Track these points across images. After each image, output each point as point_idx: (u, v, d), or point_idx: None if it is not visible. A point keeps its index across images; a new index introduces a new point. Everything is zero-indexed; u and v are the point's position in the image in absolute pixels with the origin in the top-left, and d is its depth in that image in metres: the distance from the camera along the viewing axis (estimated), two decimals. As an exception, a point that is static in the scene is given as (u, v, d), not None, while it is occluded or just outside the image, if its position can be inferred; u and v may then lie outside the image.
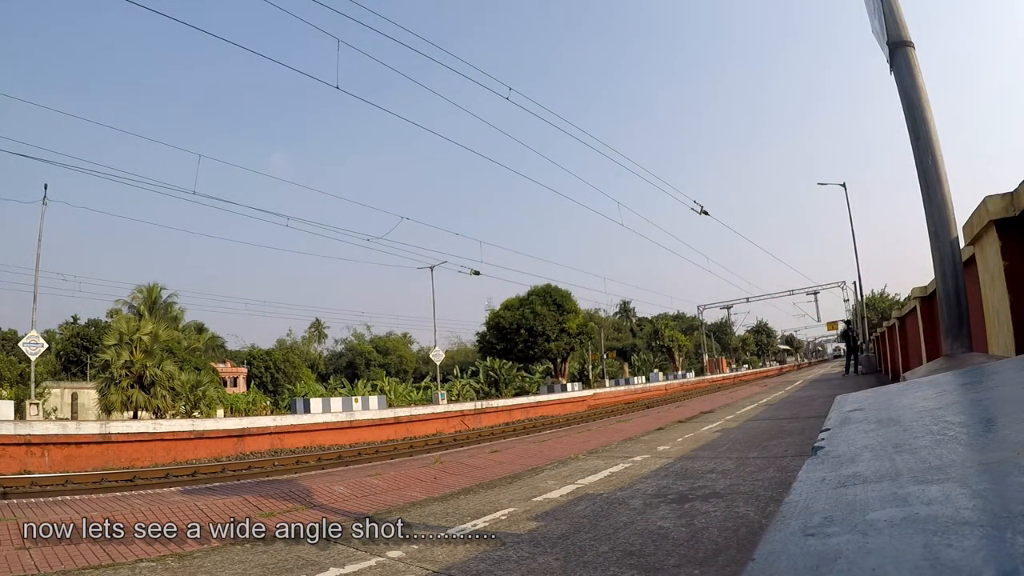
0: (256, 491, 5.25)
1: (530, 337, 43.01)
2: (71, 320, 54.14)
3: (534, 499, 4.61)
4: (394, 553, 3.40)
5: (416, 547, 3.50)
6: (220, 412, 31.35)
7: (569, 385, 42.56)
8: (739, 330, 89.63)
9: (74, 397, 39.16)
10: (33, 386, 19.97)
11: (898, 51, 3.54)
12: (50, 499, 4.92)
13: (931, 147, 3.36)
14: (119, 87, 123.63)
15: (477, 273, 30.72)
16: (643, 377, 53.81)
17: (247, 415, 32.15)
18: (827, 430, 1.68)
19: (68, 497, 5.04)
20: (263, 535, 3.89)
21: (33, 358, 18.17)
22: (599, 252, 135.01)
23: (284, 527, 4.05)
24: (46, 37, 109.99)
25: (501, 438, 16.36)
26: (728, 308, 58.71)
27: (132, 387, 23.49)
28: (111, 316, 35.08)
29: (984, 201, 3.36)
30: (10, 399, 20.98)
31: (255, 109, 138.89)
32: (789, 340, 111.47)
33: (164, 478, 13.96)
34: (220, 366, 47.25)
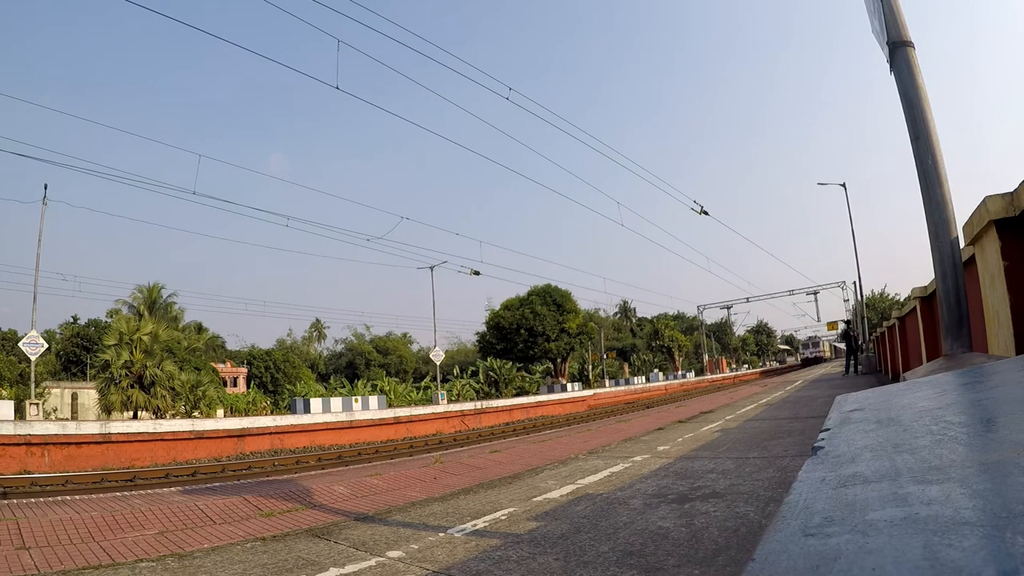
0: (256, 491, 5.25)
1: (530, 337, 43.00)
2: (71, 320, 54.22)
3: (534, 499, 4.61)
4: (394, 553, 3.40)
5: (416, 547, 3.50)
6: (220, 412, 31.36)
7: (569, 385, 42.55)
8: (739, 330, 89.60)
9: (74, 397, 39.17)
10: (33, 386, 19.97)
11: (898, 51, 3.54)
12: (50, 499, 4.92)
13: (931, 147, 3.36)
14: (119, 87, 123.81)
15: (477, 273, 30.74)
16: (643, 377, 53.81)
17: (247, 415, 32.17)
18: (827, 430, 1.68)
19: (68, 497, 5.04)
20: (263, 535, 3.90)
21: (33, 358, 18.18)
22: (599, 252, 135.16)
23: (284, 527, 4.06)
24: (46, 37, 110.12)
25: (501, 438, 16.36)
26: (728, 308, 58.75)
27: (132, 387, 23.50)
28: (111, 316, 35.13)
29: (984, 201, 3.37)
30: (10, 399, 20.98)
31: (255, 109, 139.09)
32: (789, 340, 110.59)
33: (164, 478, 13.96)
34: (220, 366, 47.26)
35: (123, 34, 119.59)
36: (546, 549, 3.24)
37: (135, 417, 22.89)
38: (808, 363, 70.33)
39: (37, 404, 18.78)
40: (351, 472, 6.52)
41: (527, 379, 45.68)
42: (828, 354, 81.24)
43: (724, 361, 73.74)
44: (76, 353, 49.94)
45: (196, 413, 26.08)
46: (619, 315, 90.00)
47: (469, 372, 46.88)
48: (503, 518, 4.06)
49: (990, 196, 3.31)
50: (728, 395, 17.44)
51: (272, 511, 4.57)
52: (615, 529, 3.52)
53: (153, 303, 32.14)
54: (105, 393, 23.53)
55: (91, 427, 17.05)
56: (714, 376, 57.08)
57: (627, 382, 49.94)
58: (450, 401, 32.63)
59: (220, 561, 3.39)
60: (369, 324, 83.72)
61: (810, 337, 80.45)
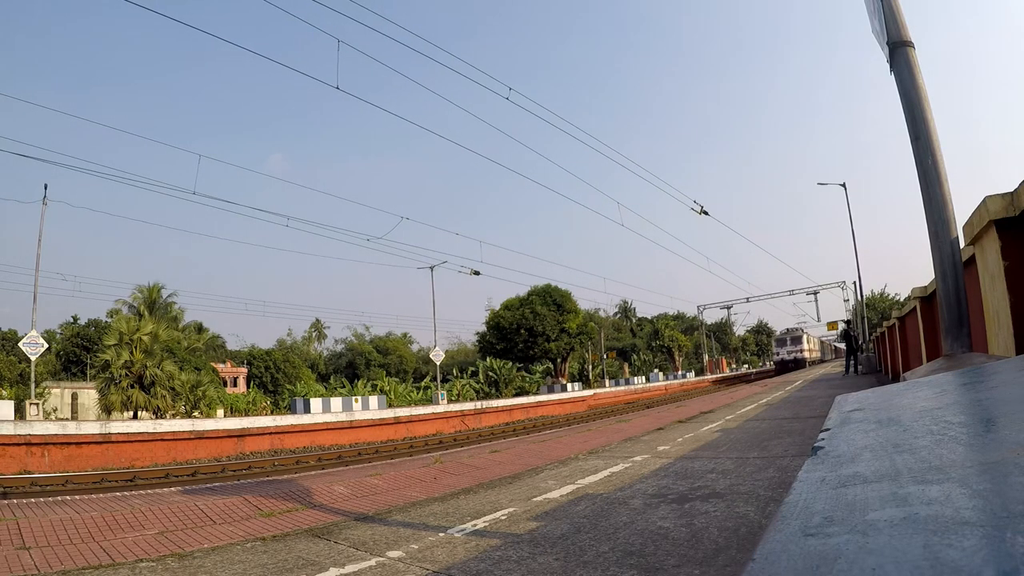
0: (256, 491, 5.25)
1: (530, 337, 43.02)
2: (71, 320, 54.23)
3: (534, 499, 4.61)
4: (394, 553, 3.39)
5: (416, 547, 3.50)
6: (220, 412, 31.35)
7: (569, 385, 42.54)
8: (739, 330, 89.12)
9: (74, 397, 39.17)
10: (33, 386, 19.96)
11: (898, 51, 3.54)
12: (50, 499, 4.92)
13: (931, 147, 3.36)
14: (119, 87, 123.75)
15: (477, 273, 30.75)
16: (643, 377, 53.76)
17: (247, 415, 32.17)
18: (827, 430, 1.68)
19: (68, 497, 5.04)
20: (263, 535, 3.90)
21: (33, 358, 18.18)
22: (599, 252, 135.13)
23: (284, 527, 4.06)
24: (46, 37, 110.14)
25: (501, 438, 16.36)
26: (728, 308, 58.74)
27: (132, 387, 23.50)
28: (111, 316, 35.15)
29: (984, 201, 3.37)
30: (10, 399, 20.99)
31: (255, 109, 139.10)
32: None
33: (164, 478, 13.97)
34: (220, 366, 47.25)
35: (123, 34, 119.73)
36: (546, 549, 3.24)
37: (135, 417, 22.89)
38: (784, 369, 44.16)
39: (37, 404, 18.78)
40: (351, 472, 6.52)
41: (527, 379, 45.68)
42: (818, 354, 54.93)
43: (724, 361, 73.59)
44: (76, 353, 49.96)
45: (196, 413, 26.07)
46: (619, 315, 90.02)
47: (469, 372, 46.87)
48: (503, 518, 4.06)
49: (990, 196, 3.31)
50: (728, 395, 17.44)
51: (272, 511, 4.56)
52: (615, 529, 3.52)
53: (153, 303, 32.16)
54: (105, 393, 23.52)
55: (91, 427, 17.06)
56: (714, 376, 57.06)
57: (627, 382, 49.88)
58: (450, 401, 32.63)
59: (220, 561, 3.39)
60: (369, 324, 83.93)
61: (788, 330, 50.21)
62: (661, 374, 56.03)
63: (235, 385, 50.77)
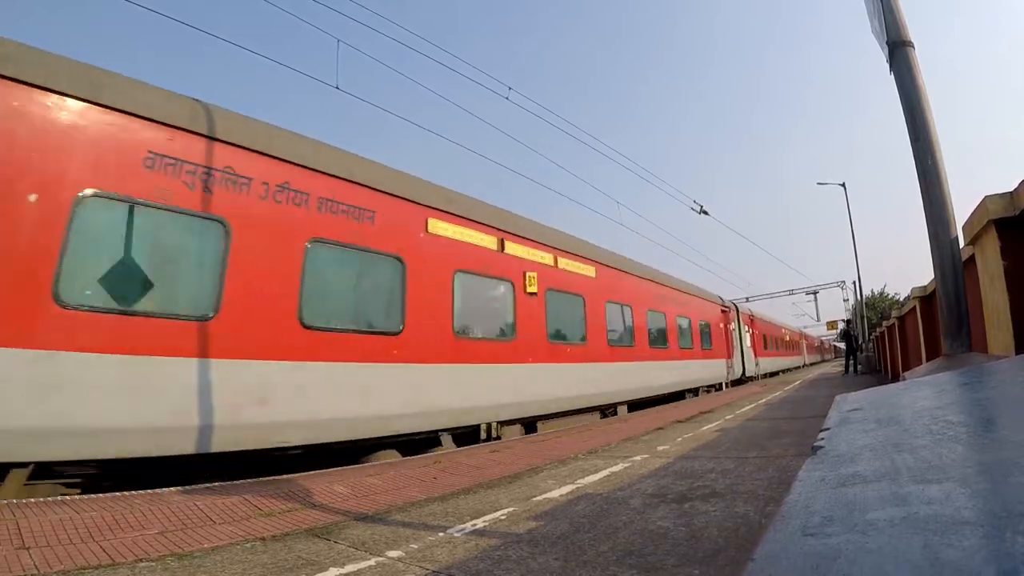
0: (256, 491, 5.25)
1: (530, 337, 42.92)
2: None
3: (533, 499, 4.61)
4: (394, 553, 3.39)
5: (416, 547, 3.50)
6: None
7: (568, 385, 41.97)
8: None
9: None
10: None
11: (898, 51, 3.55)
12: (50, 499, 4.92)
13: (931, 147, 3.37)
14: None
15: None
16: (642, 377, 53.14)
17: (247, 415, 32.06)
18: (827, 430, 1.68)
19: (68, 497, 5.03)
20: (263, 535, 3.90)
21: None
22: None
23: (284, 527, 4.06)
24: (46, 37, 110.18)
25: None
26: (727, 308, 58.45)
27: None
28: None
29: (984, 201, 3.37)
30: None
31: (255, 109, 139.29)
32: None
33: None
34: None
35: (123, 34, 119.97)
36: (546, 549, 3.24)
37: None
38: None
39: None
40: (351, 472, 6.52)
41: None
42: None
43: (724, 361, 72.97)
44: None
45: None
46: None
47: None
48: (503, 518, 4.07)
49: (990, 196, 3.31)
50: (728, 395, 17.44)
51: (272, 511, 4.56)
52: (614, 529, 3.52)
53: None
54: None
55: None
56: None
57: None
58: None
59: (220, 561, 3.39)
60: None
61: None
62: (660, 374, 55.51)
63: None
